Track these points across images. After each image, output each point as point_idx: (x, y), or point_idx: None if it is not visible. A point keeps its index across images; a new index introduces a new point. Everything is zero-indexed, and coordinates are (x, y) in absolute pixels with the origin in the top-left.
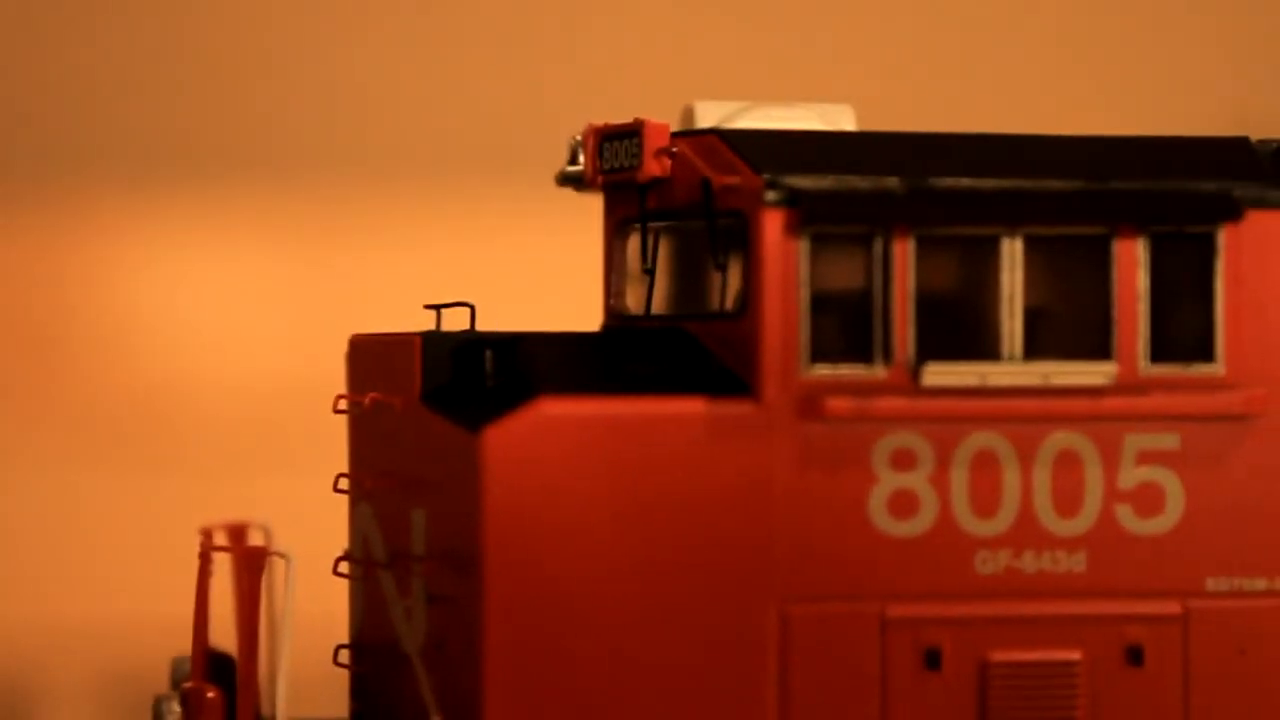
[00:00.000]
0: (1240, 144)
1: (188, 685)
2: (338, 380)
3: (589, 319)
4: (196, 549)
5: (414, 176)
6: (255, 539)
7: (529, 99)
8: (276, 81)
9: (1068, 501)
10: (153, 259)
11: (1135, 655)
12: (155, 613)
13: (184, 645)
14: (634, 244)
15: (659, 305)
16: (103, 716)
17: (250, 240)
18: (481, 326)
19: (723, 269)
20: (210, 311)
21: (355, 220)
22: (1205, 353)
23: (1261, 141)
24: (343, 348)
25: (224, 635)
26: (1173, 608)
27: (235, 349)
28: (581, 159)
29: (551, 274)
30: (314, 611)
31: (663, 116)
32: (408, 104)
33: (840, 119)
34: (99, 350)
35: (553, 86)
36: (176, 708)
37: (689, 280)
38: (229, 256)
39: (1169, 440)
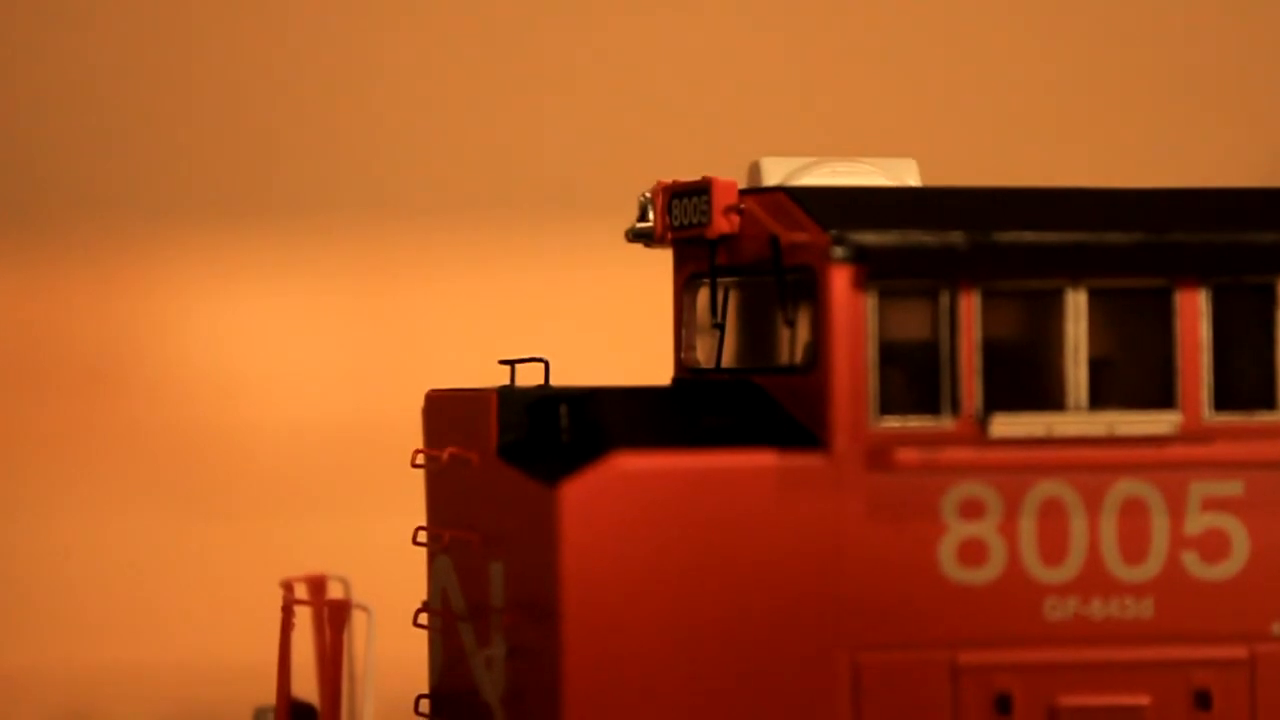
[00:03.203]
0: None
1: None
2: (395, 423)
3: (659, 372)
4: (264, 594)
5: (476, 223)
6: (335, 592)
7: (598, 153)
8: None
9: (1134, 548)
10: (210, 303)
11: (1203, 700)
12: (224, 659)
13: (256, 690)
14: (703, 298)
15: (728, 359)
16: None
17: (306, 283)
18: (551, 378)
19: (792, 323)
20: (267, 355)
21: (413, 266)
22: (1268, 401)
23: None
24: (403, 391)
25: (301, 684)
26: (1239, 652)
27: (293, 393)
28: (651, 215)
29: (619, 325)
30: (394, 661)
31: (729, 172)
32: (474, 153)
33: (904, 173)
34: (159, 393)
35: (622, 141)
36: None
37: (758, 334)
38: (284, 300)
39: (1233, 487)
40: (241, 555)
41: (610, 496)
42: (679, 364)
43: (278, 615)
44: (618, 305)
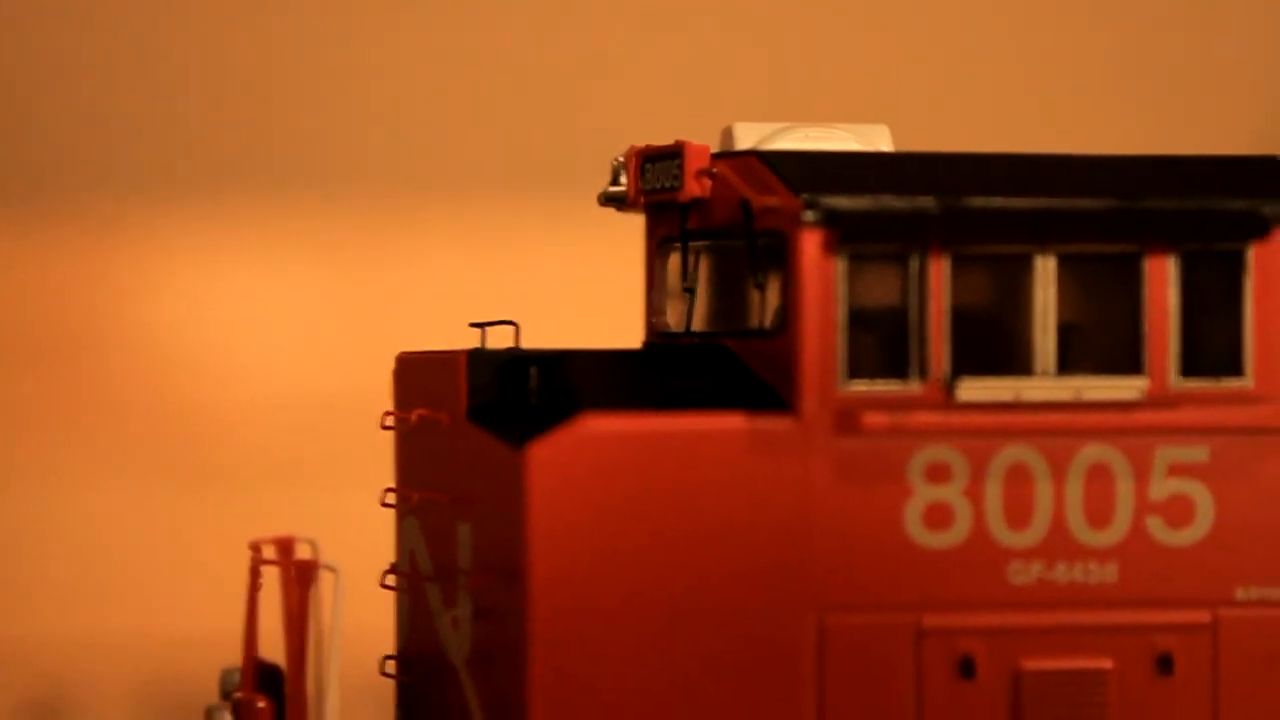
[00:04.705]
0: (1269, 162)
1: (238, 695)
2: (375, 395)
3: (630, 336)
4: (238, 563)
5: (452, 194)
6: (303, 553)
7: (570, 120)
8: (314, 99)
9: (1099, 513)
10: (189, 275)
11: (1165, 664)
12: (197, 626)
13: (228, 657)
14: (675, 262)
15: (699, 323)
16: None
17: (287, 256)
18: (524, 344)
19: (762, 287)
20: (247, 327)
21: (392, 237)
22: (1235, 367)
23: None
24: (380, 363)
25: (269, 647)
26: (1202, 617)
27: (272, 364)
28: (623, 180)
29: (592, 291)
30: (361, 624)
31: (702, 138)
32: (448, 122)
33: (877, 139)
34: (136, 365)
35: (594, 108)
36: (228, 716)
37: (729, 298)
38: (265, 272)
39: (1199, 453)
40: (215, 524)
41: (578, 458)
42: (650, 328)
43: (248, 582)
44: (591, 271)
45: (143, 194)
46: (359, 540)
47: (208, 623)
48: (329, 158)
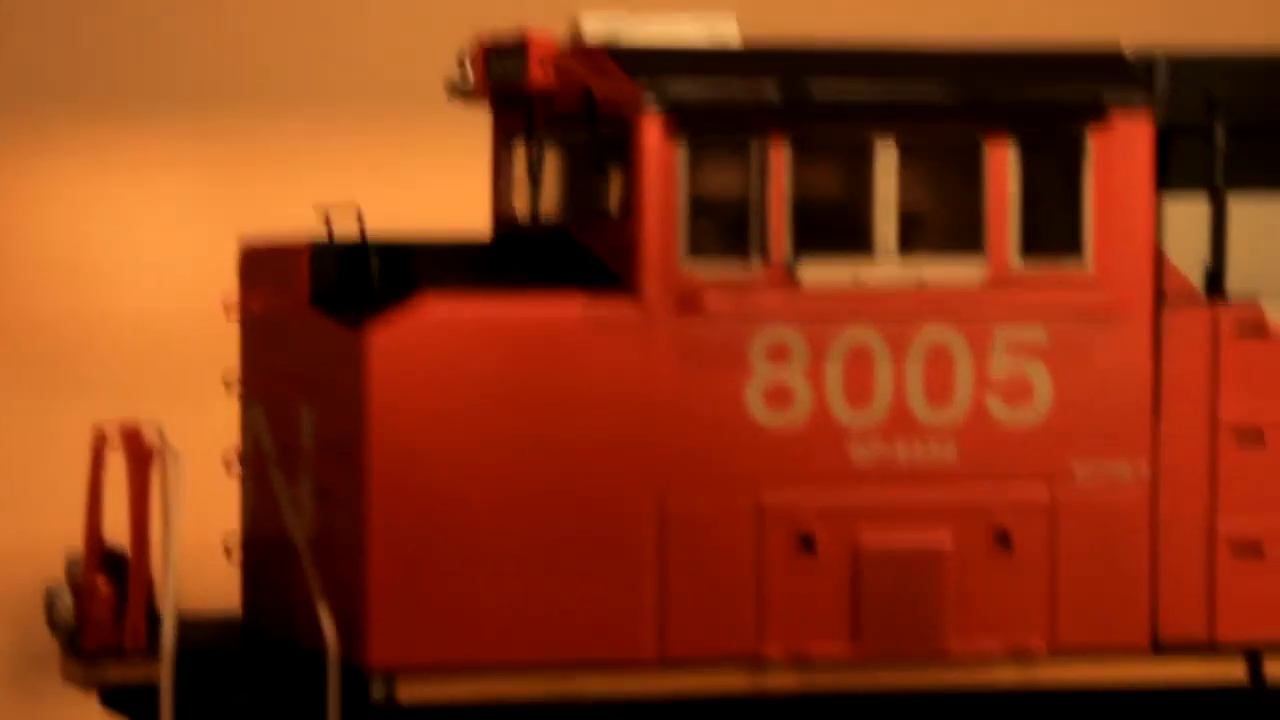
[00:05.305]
0: (1110, 52)
1: (79, 576)
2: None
3: (481, 229)
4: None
5: (329, 114)
6: (148, 438)
7: (419, 15)
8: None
9: (939, 393)
10: (74, 188)
11: (1004, 541)
12: (51, 530)
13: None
14: (521, 153)
15: (545, 213)
16: None
17: (158, 167)
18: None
19: (605, 175)
20: (129, 242)
21: (254, 145)
22: (1074, 250)
23: (1135, 50)
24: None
25: (123, 536)
26: (1040, 494)
27: (152, 280)
28: (470, 71)
29: (441, 185)
30: (208, 509)
31: (549, 27)
32: (304, 36)
33: (722, 27)
34: (13, 276)
35: (442, 2)
36: (68, 599)
37: (574, 188)
38: (135, 183)
39: (1038, 334)
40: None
41: (418, 341)
42: (497, 219)
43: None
44: (439, 164)
45: (25, 107)
46: (212, 431)
47: (59, 526)
48: (215, 75)
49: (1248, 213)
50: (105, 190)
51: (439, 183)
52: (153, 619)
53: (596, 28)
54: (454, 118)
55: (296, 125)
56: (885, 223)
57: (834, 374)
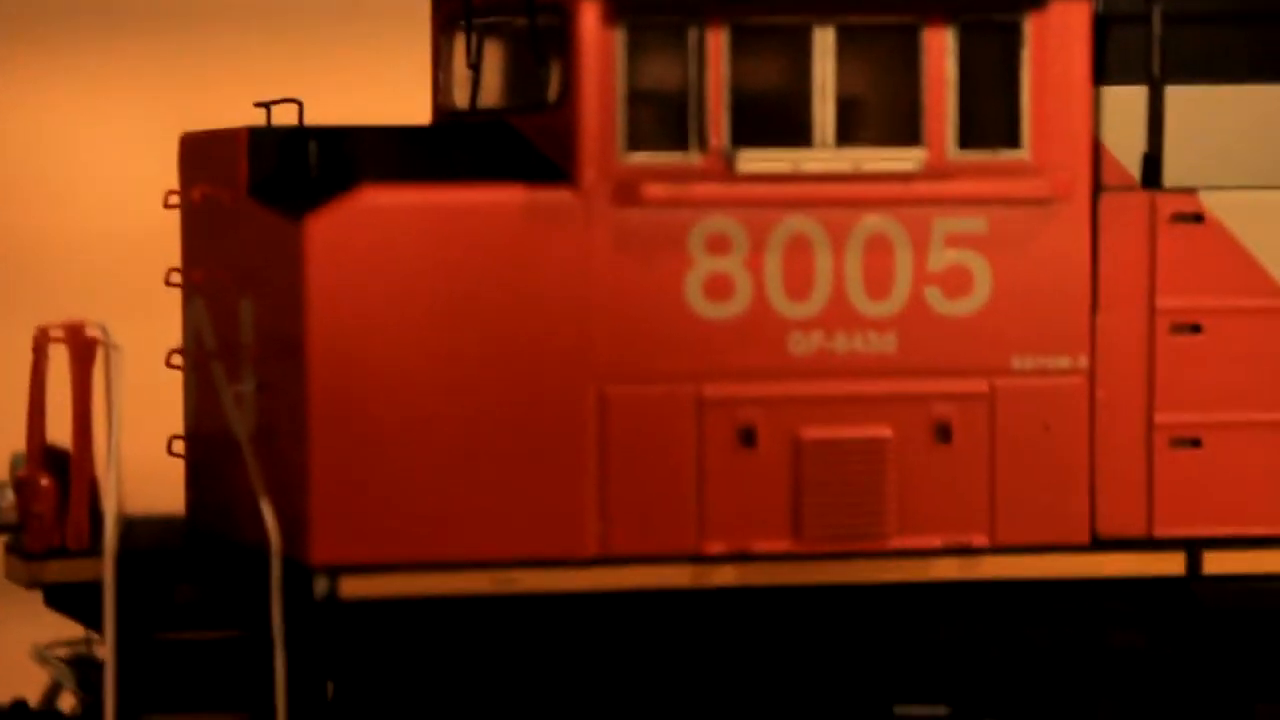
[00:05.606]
0: None
1: (21, 474)
2: None
3: (419, 118)
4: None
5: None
6: (91, 335)
7: None
8: None
9: (878, 284)
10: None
11: (943, 432)
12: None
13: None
14: (460, 42)
15: (485, 101)
16: None
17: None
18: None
19: (543, 63)
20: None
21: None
22: (1012, 139)
23: None
24: None
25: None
26: (980, 386)
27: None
28: None
29: (383, 73)
30: (151, 405)
31: None
32: None
33: None
34: None
35: None
36: (10, 495)
37: (512, 76)
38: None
39: (977, 224)
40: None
41: (357, 231)
42: (436, 107)
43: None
44: (379, 54)
45: None
46: (167, 340)
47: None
48: None
49: (1185, 101)
50: (55, 101)
51: (382, 75)
52: (96, 517)
53: None
54: (394, 6)
55: (250, 36)
56: (824, 112)
57: (773, 265)
